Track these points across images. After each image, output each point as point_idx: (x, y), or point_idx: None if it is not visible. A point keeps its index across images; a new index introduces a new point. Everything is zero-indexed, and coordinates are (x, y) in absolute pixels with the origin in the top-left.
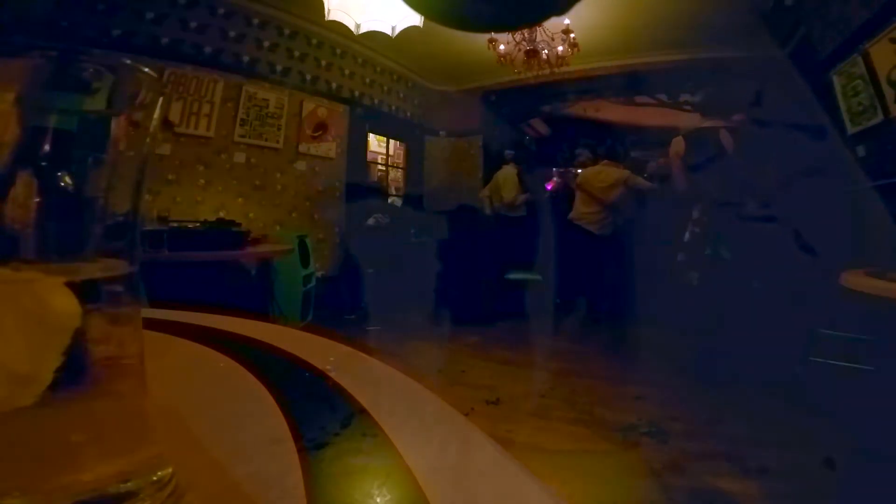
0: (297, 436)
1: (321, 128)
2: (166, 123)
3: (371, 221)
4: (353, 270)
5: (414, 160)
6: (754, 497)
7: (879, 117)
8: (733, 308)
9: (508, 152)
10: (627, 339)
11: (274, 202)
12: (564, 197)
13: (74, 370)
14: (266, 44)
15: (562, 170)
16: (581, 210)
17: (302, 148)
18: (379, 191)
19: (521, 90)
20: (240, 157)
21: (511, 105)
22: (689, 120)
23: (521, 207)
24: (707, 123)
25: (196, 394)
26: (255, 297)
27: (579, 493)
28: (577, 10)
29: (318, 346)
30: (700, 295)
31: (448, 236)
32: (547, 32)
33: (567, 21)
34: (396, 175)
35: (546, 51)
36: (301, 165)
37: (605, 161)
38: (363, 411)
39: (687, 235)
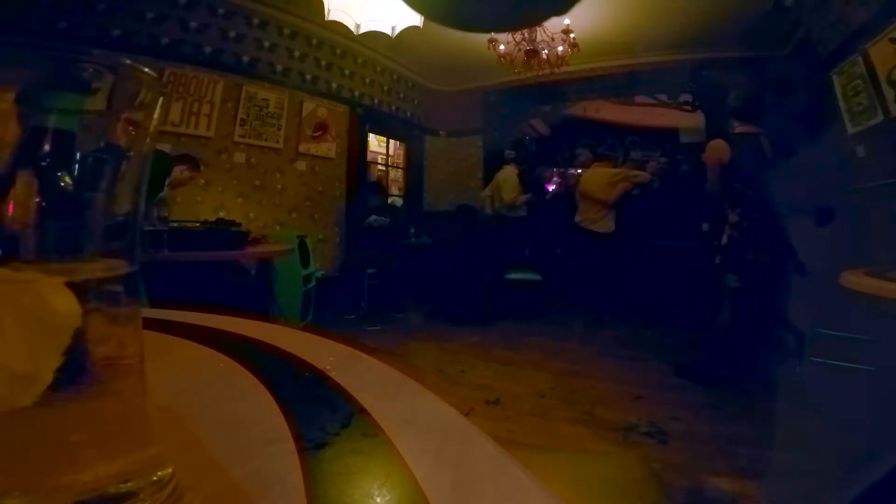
0: (297, 436)
1: (321, 128)
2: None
3: (371, 220)
4: (354, 270)
5: (414, 160)
6: (753, 497)
7: (879, 117)
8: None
9: (508, 152)
10: (627, 339)
11: (274, 202)
12: (564, 197)
13: (74, 370)
14: (266, 44)
15: (561, 170)
16: (585, 213)
17: (302, 148)
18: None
19: (521, 90)
20: (240, 157)
21: (511, 105)
22: (691, 120)
23: (522, 208)
24: (742, 129)
25: (196, 394)
26: (255, 297)
27: (579, 494)
28: (577, 10)
29: (318, 346)
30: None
31: (448, 236)
32: (547, 32)
33: (567, 21)
34: (396, 175)
35: (546, 51)
36: (301, 165)
37: (596, 163)
38: (363, 411)
39: (725, 239)
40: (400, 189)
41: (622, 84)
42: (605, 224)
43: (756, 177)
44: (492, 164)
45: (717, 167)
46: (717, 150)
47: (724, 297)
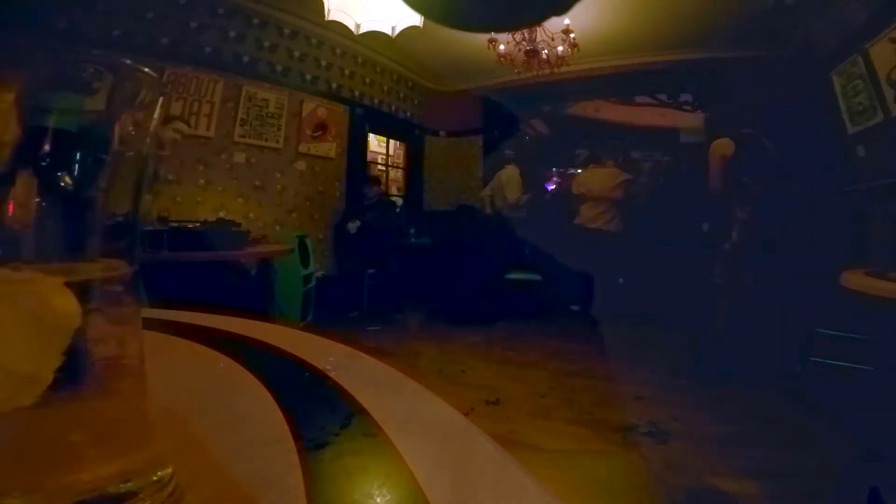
0: (297, 436)
1: (321, 128)
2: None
3: (349, 227)
4: (354, 270)
5: (414, 160)
6: (753, 497)
7: (879, 117)
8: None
9: (509, 152)
10: (627, 338)
11: (274, 202)
12: (565, 198)
13: (74, 370)
14: (266, 44)
15: (561, 170)
16: (588, 212)
17: (302, 148)
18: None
19: (521, 90)
20: (240, 157)
21: (511, 105)
22: (691, 120)
23: (524, 208)
24: (744, 130)
25: (196, 394)
26: (255, 297)
27: (579, 493)
28: (577, 10)
29: (318, 346)
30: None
31: (448, 236)
32: (547, 32)
33: (567, 21)
34: (396, 175)
35: (546, 51)
36: (301, 165)
37: (593, 165)
38: (363, 411)
39: (734, 236)
40: (400, 189)
41: (622, 84)
42: (615, 224)
43: (762, 170)
44: (492, 164)
45: (720, 162)
46: (720, 145)
47: (724, 296)
